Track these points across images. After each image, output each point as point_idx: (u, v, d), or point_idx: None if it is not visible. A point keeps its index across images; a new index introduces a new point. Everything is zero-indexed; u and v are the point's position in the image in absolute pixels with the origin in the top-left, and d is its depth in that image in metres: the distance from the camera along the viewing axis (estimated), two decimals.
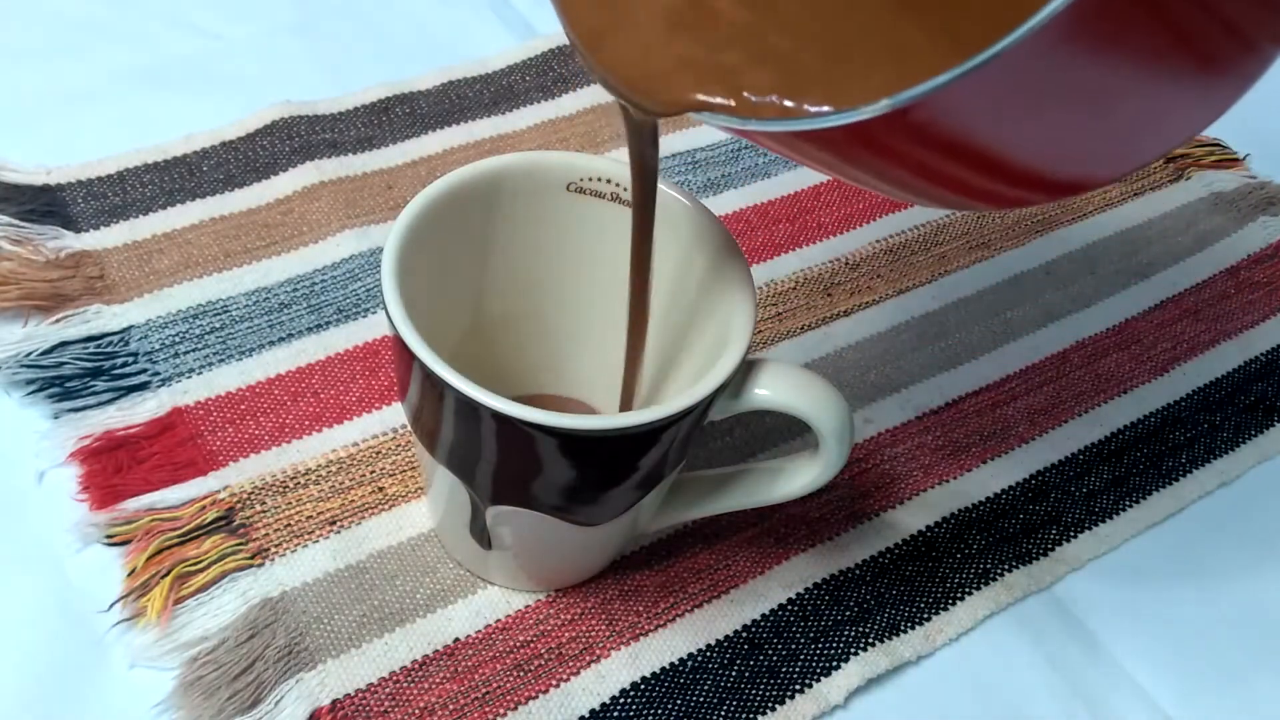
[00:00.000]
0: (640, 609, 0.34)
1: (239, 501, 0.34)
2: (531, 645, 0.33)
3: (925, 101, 0.17)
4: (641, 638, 0.34)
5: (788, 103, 0.20)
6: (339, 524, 0.35)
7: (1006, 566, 0.37)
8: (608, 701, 0.32)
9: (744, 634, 0.34)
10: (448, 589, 0.34)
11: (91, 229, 0.41)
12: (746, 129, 0.21)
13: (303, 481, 0.35)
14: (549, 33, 0.53)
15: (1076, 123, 0.19)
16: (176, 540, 0.33)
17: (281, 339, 0.39)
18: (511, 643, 0.33)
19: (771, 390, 0.29)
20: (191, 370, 0.38)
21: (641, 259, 0.30)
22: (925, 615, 0.35)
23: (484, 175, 0.31)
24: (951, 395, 0.42)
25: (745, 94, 0.21)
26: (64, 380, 0.36)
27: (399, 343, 0.27)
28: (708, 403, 0.28)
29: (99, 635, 0.32)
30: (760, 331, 0.43)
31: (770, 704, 0.33)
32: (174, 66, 0.48)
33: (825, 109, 0.19)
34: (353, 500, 0.35)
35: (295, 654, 0.32)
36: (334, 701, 0.31)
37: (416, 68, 0.50)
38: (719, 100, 0.21)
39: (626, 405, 0.33)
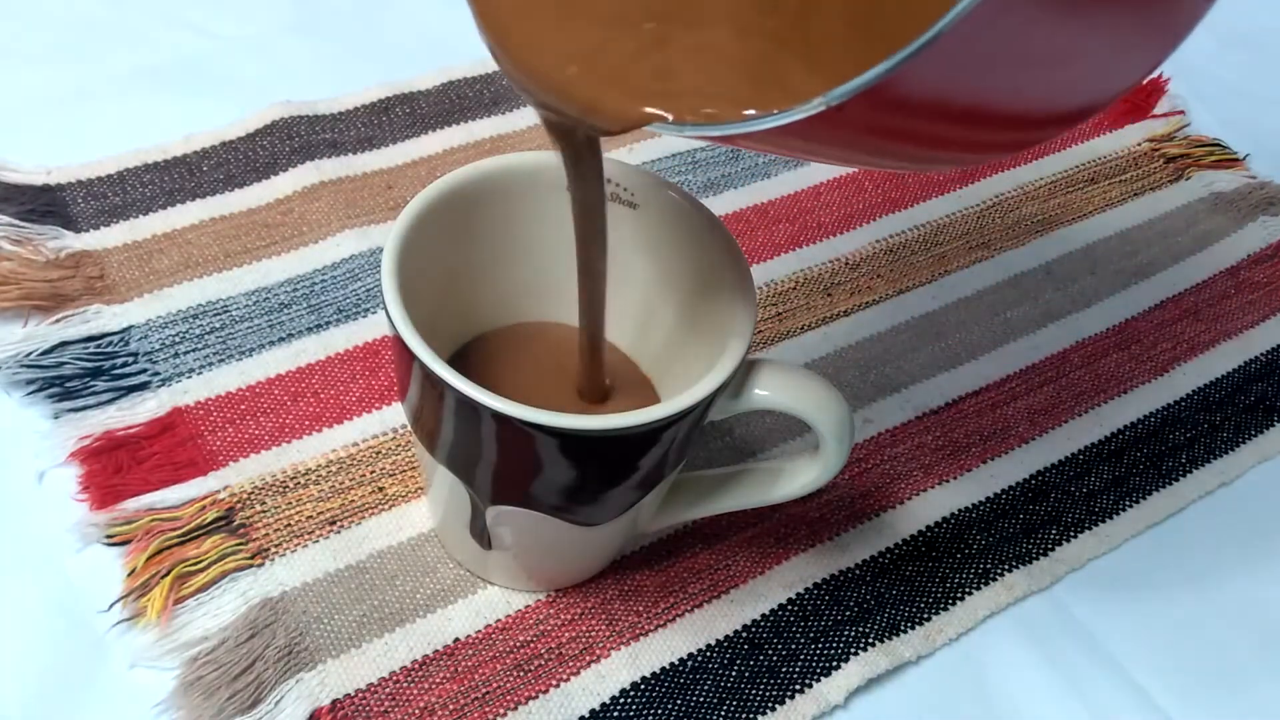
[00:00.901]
0: (640, 609, 0.34)
1: (239, 501, 0.34)
2: (531, 645, 0.33)
3: (876, 88, 0.17)
4: (641, 638, 0.34)
5: (752, 107, 0.20)
6: (339, 524, 0.35)
7: (1006, 566, 0.37)
8: (608, 701, 0.32)
9: (744, 634, 0.34)
10: (448, 589, 0.34)
11: (91, 229, 0.41)
12: (732, 133, 0.21)
13: (303, 481, 0.35)
14: None
15: (1033, 74, 0.19)
16: (176, 540, 0.33)
17: (281, 339, 0.39)
18: (511, 643, 0.33)
19: (771, 390, 0.29)
20: (191, 370, 0.38)
21: (593, 292, 0.29)
22: (925, 615, 0.35)
23: (484, 175, 0.31)
24: (951, 395, 0.42)
25: (713, 103, 0.21)
26: (64, 380, 0.36)
27: (399, 343, 0.27)
28: (708, 403, 0.28)
29: (99, 635, 0.32)
30: (760, 331, 0.43)
31: (770, 704, 0.33)
32: (174, 66, 0.48)
33: (753, 112, 0.20)
34: (353, 500, 0.35)
35: (295, 654, 0.32)
36: (334, 701, 0.31)
37: (416, 68, 0.50)
38: (673, 110, 0.21)
39: (590, 400, 0.33)
